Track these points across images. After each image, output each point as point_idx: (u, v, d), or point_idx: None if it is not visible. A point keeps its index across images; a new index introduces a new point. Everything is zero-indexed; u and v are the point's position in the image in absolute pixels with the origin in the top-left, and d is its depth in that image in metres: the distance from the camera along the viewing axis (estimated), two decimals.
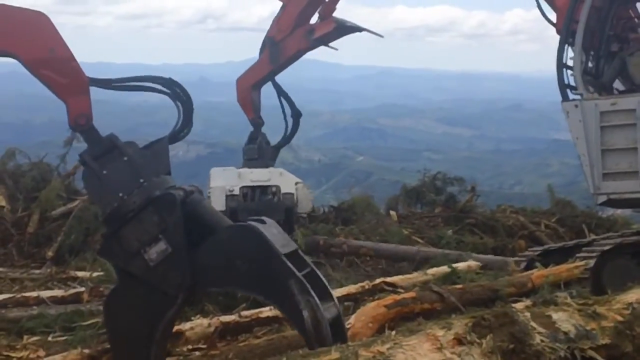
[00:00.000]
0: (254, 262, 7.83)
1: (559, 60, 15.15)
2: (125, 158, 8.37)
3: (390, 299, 11.54)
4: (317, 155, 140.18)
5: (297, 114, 20.69)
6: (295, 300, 7.56)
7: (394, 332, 6.46)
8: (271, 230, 8.00)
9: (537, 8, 16.55)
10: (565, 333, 6.72)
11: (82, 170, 8.72)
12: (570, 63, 15.15)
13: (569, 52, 15.18)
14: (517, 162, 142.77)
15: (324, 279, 8.06)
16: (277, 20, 19.38)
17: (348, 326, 10.54)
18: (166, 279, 8.13)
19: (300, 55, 19.71)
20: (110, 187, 8.34)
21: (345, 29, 19.33)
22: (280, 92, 20.48)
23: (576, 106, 14.85)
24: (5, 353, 10.63)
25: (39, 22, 8.52)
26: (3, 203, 19.92)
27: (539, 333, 6.51)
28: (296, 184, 19.62)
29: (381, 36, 20.93)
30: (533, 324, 6.58)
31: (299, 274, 7.64)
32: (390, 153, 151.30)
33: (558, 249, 16.75)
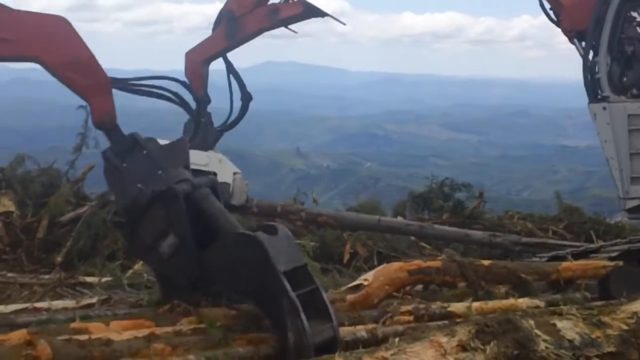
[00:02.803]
0: (253, 273, 7.90)
1: (585, 61, 14.96)
2: (145, 152, 8.69)
3: (414, 264, 11.08)
4: (326, 161, 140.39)
5: (247, 97, 19.48)
6: (283, 319, 7.60)
7: (397, 339, 6.50)
8: (279, 243, 8.02)
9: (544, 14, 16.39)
10: (570, 341, 6.75)
11: (102, 168, 9.09)
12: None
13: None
14: (524, 168, 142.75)
15: (326, 298, 8.06)
16: None
17: (365, 283, 10.42)
18: (177, 270, 8.39)
19: (259, 34, 18.79)
20: (130, 179, 8.65)
21: (312, 12, 18.64)
22: (231, 71, 19.25)
23: (604, 108, 14.60)
24: None
25: (60, 26, 8.80)
26: (12, 209, 19.91)
27: (544, 340, 6.54)
28: (234, 174, 18.61)
29: (343, 24, 20.07)
30: (537, 331, 6.61)
31: (292, 294, 7.62)
32: (397, 159, 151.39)
33: (566, 256, 16.71)
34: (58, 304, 13.61)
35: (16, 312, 12.60)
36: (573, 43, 15.41)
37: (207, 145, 18.59)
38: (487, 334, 6.43)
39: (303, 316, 7.55)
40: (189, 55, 18.79)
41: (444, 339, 6.37)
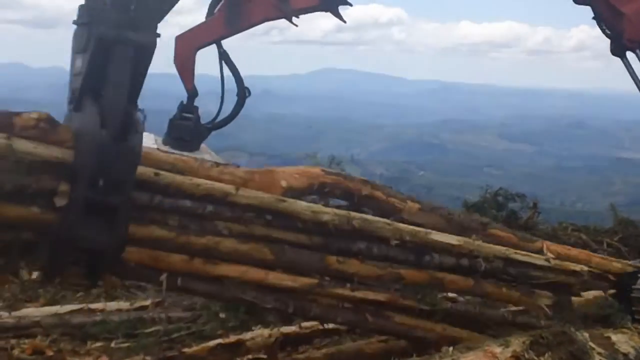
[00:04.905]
0: None
1: None
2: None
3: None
4: (380, 169, 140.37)
5: (243, 93, 17.14)
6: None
7: (451, 349, 6.49)
8: None
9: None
10: (625, 354, 6.72)
11: None
12: None
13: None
14: (579, 179, 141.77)
15: None
16: None
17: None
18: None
19: (264, 22, 16.93)
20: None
21: (330, 5, 17.30)
22: (226, 60, 16.90)
23: None
24: (70, 358, 10.84)
25: None
26: None
27: (599, 353, 6.51)
28: None
29: (344, 21, 18.61)
30: (592, 344, 6.58)
31: None
32: (451, 168, 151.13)
33: None
34: (112, 305, 13.75)
35: (71, 312, 12.77)
36: (618, 55, 15.01)
37: (195, 146, 16.58)
38: (541, 346, 6.41)
39: None
40: (181, 41, 16.58)
41: (498, 349, 6.35)
